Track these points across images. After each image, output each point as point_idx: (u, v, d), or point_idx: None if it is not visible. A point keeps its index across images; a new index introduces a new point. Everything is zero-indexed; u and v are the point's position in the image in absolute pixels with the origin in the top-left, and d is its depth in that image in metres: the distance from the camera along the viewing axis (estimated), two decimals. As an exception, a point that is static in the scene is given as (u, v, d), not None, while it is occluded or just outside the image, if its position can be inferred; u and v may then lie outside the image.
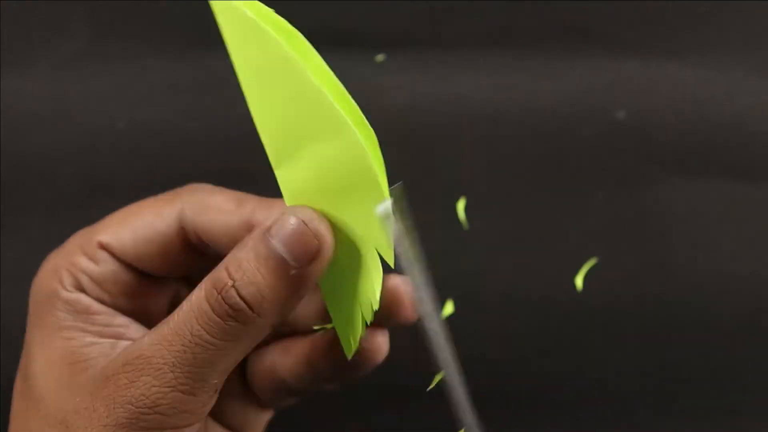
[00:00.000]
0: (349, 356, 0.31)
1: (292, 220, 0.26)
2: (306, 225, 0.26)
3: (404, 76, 0.46)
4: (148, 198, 0.32)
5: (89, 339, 0.29)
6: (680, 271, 0.44)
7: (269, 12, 0.27)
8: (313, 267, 0.27)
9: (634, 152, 0.46)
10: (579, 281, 0.44)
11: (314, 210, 0.27)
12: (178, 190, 0.32)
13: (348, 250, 0.28)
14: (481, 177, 0.46)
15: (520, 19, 0.46)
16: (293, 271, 0.26)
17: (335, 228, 0.28)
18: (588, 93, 0.46)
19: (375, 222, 0.27)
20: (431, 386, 0.29)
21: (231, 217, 0.30)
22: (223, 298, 0.26)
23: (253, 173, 0.46)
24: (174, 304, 0.33)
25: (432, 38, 0.47)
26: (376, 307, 0.29)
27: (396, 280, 0.31)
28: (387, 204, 0.25)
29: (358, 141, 0.26)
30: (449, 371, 0.26)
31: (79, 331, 0.29)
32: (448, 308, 0.44)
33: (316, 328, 0.34)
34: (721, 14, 0.46)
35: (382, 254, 0.28)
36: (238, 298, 0.26)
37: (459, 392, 0.27)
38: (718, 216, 0.45)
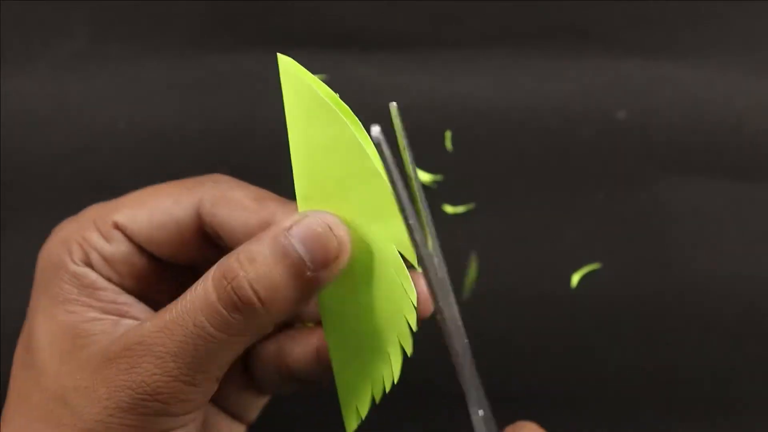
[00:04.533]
0: (349, 430, 0.30)
1: (315, 223, 0.26)
2: (330, 229, 0.26)
3: (404, 76, 0.46)
4: (168, 182, 0.32)
5: (92, 314, 0.29)
6: (680, 271, 0.44)
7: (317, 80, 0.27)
8: (327, 272, 0.27)
9: (634, 152, 0.46)
10: (575, 279, 0.44)
11: (335, 215, 0.27)
12: (200, 179, 0.32)
13: (366, 309, 0.28)
14: (482, 177, 0.46)
15: (520, 19, 0.46)
16: (309, 273, 0.26)
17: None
18: (588, 93, 0.46)
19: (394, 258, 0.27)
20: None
21: (251, 214, 0.30)
22: (233, 289, 0.26)
23: (252, 173, 0.46)
24: (179, 292, 0.33)
25: (432, 38, 0.47)
26: (387, 388, 0.29)
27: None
28: (377, 129, 0.24)
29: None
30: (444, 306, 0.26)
31: (83, 306, 0.29)
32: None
33: (298, 326, 0.34)
34: (721, 14, 0.46)
35: (408, 318, 0.28)
36: (250, 291, 0.26)
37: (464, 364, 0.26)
38: (718, 216, 0.45)
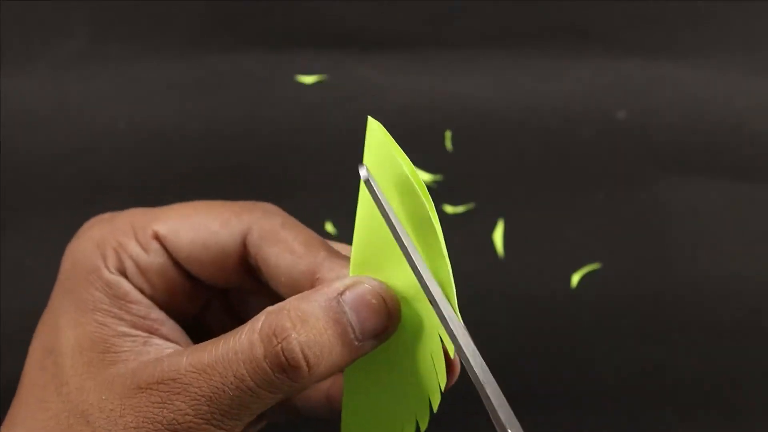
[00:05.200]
0: None
1: (370, 292, 0.26)
2: (384, 301, 0.26)
3: (404, 76, 0.46)
4: (216, 201, 0.31)
5: (123, 329, 0.28)
6: (680, 271, 0.44)
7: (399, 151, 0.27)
8: (375, 342, 0.26)
9: (634, 152, 0.46)
10: (575, 279, 0.44)
11: (387, 284, 0.26)
12: (250, 205, 0.31)
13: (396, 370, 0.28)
14: (482, 177, 0.46)
15: (520, 19, 0.46)
16: (356, 343, 0.26)
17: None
18: (588, 93, 0.46)
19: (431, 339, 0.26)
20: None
21: (298, 260, 0.29)
22: (282, 350, 0.25)
23: (251, 173, 0.46)
24: (208, 311, 0.33)
25: (432, 38, 0.47)
26: None
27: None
28: (365, 170, 0.24)
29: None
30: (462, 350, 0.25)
31: (114, 318, 0.28)
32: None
33: None
34: (721, 14, 0.46)
35: (431, 392, 0.27)
36: (300, 354, 0.25)
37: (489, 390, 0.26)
38: (718, 216, 0.45)
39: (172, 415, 0.26)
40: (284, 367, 0.25)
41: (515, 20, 0.46)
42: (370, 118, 0.26)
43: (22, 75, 0.46)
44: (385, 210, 0.24)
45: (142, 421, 0.26)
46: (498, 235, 0.45)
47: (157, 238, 0.30)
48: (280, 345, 0.25)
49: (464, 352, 0.25)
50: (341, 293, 0.26)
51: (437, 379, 0.27)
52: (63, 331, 0.28)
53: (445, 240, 0.28)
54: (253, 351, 0.25)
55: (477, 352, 0.25)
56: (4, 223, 0.45)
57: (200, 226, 0.30)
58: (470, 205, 0.45)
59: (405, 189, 0.25)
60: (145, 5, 0.47)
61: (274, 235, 0.29)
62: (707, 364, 0.44)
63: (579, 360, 0.44)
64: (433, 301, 0.25)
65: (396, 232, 0.25)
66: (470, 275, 0.44)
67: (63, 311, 0.29)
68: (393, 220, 0.25)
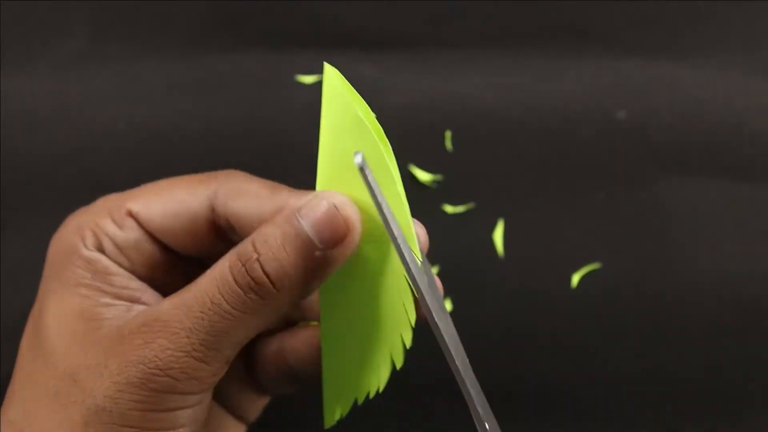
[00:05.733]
0: (327, 426, 0.31)
1: (323, 203, 0.27)
2: (336, 209, 0.27)
3: (404, 76, 0.46)
4: (183, 176, 0.33)
5: (106, 299, 0.29)
6: (680, 271, 0.44)
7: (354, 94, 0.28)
8: (338, 251, 0.27)
9: (634, 152, 0.46)
10: (575, 279, 0.44)
11: (347, 196, 0.27)
12: (214, 173, 0.32)
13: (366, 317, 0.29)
14: (482, 177, 0.46)
15: (520, 19, 0.47)
16: (318, 253, 0.27)
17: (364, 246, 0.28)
18: (588, 93, 0.46)
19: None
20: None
21: (265, 202, 0.30)
22: (246, 271, 0.27)
23: (251, 173, 0.46)
24: (188, 284, 0.34)
25: (432, 38, 0.47)
26: (372, 395, 0.29)
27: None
28: (361, 154, 0.24)
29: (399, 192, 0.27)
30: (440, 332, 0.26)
31: (96, 291, 0.29)
32: (447, 307, 0.44)
33: (301, 324, 0.34)
34: (721, 14, 0.46)
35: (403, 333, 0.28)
36: (261, 272, 0.26)
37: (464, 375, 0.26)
38: (717, 216, 0.45)
39: (153, 353, 0.27)
40: (252, 287, 0.27)
41: (515, 20, 0.47)
42: (326, 64, 0.27)
43: (22, 75, 0.46)
44: (378, 200, 0.25)
45: (125, 366, 0.27)
46: (498, 235, 0.45)
47: (130, 215, 0.31)
48: (244, 267, 0.27)
49: (423, 295, 0.26)
50: (298, 210, 0.27)
51: (407, 315, 0.27)
52: (48, 310, 0.29)
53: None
54: (225, 277, 0.27)
55: (435, 293, 0.26)
56: (4, 223, 0.45)
57: (170, 198, 0.31)
58: (470, 205, 0.45)
59: (361, 132, 0.26)
60: (145, 5, 0.47)
61: (239, 190, 0.31)
62: (707, 364, 0.44)
63: (579, 360, 0.44)
64: (398, 250, 0.25)
65: (388, 224, 0.25)
66: (470, 275, 0.45)
67: (48, 293, 0.30)
68: (386, 212, 0.25)
